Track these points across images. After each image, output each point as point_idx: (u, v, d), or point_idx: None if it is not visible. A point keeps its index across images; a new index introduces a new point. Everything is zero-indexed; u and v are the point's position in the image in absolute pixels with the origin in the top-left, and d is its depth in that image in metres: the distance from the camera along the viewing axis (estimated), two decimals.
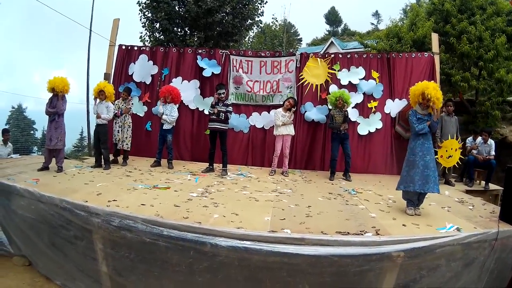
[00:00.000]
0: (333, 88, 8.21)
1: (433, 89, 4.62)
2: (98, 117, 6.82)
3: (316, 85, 8.34)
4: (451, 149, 6.78)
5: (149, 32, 13.95)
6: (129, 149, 7.44)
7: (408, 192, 4.72)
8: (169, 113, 7.34)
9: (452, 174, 7.68)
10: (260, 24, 15.78)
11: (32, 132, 26.33)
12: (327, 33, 49.91)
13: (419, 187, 4.55)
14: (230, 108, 7.02)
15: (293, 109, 7.50)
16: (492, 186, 7.38)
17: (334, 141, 7.27)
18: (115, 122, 7.27)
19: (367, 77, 8.30)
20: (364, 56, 8.60)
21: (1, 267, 4.87)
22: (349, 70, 8.35)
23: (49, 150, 6.31)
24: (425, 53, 8.51)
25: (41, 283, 4.55)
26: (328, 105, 7.98)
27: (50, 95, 6.38)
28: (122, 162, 7.35)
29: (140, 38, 13.99)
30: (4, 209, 4.89)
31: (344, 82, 8.27)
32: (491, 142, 7.62)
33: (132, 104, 7.66)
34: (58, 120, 6.35)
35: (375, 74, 8.29)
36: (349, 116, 7.43)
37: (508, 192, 4.43)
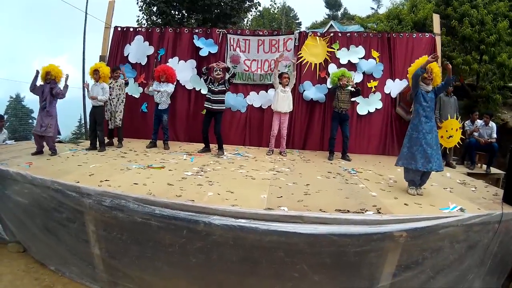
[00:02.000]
0: (332, 67, 8.02)
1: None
2: (94, 98, 6.62)
3: (315, 64, 8.15)
4: (452, 129, 6.66)
5: (146, 16, 13.75)
6: (120, 126, 7.25)
7: (409, 172, 4.56)
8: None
9: (453, 157, 7.54)
10: (259, 6, 15.52)
11: (30, 121, 26.17)
12: (326, 17, 48.96)
13: (422, 165, 4.37)
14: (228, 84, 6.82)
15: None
16: (493, 170, 7.25)
17: (334, 120, 7.14)
18: (108, 99, 7.05)
19: (367, 56, 8.08)
20: (364, 35, 8.36)
21: None
22: (348, 49, 8.12)
23: (38, 136, 6.12)
24: (426, 34, 8.29)
25: (35, 269, 4.42)
26: (328, 84, 7.83)
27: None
28: (117, 144, 7.22)
29: (137, 21, 13.80)
30: None
31: (343, 61, 8.05)
32: (492, 124, 7.48)
33: (121, 77, 7.41)
34: (49, 110, 6.10)
35: (375, 54, 8.08)
36: (358, 88, 7.29)
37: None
